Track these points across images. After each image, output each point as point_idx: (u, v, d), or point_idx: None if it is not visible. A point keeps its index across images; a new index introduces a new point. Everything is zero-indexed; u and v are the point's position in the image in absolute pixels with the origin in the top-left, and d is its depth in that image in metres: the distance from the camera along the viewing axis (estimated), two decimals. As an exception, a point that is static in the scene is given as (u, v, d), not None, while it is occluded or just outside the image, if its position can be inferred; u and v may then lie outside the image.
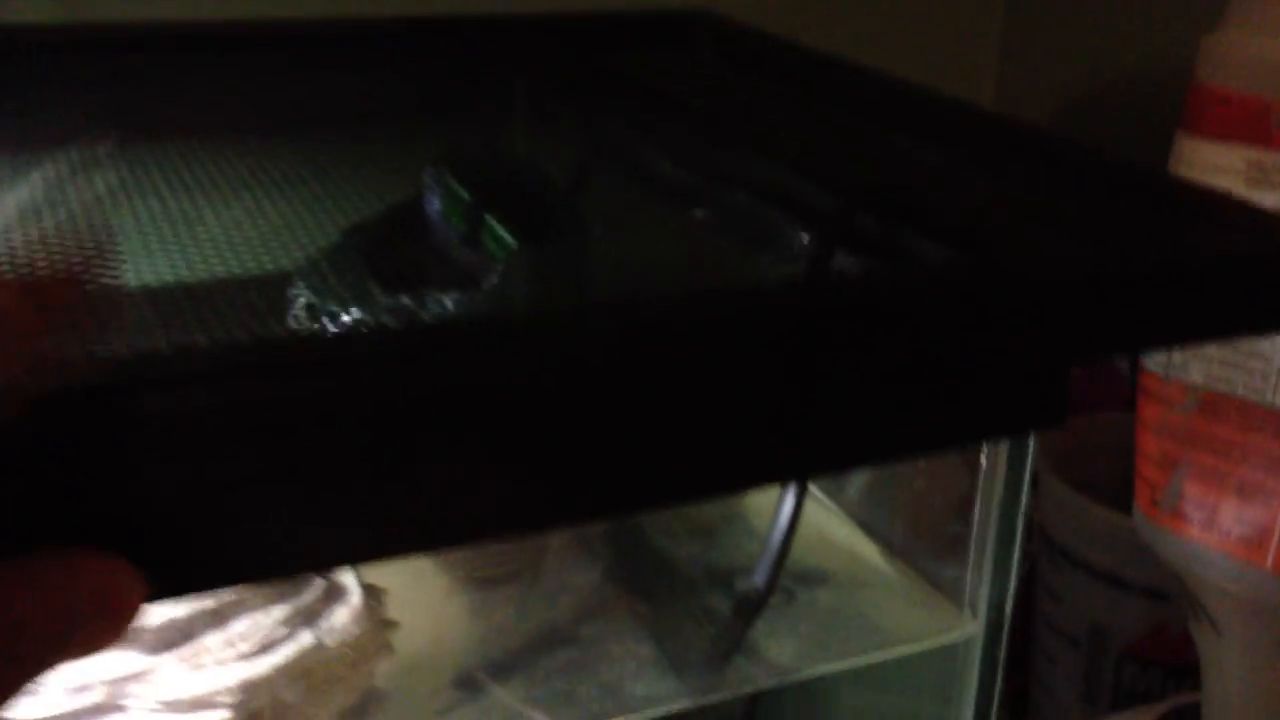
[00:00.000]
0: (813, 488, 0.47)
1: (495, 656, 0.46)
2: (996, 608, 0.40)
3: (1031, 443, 0.38)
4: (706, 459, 0.31)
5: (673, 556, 0.50)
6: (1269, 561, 0.47)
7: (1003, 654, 0.40)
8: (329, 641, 0.40)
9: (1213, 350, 0.48)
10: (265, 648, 0.40)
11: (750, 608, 0.39)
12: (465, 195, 0.50)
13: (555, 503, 0.29)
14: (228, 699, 0.38)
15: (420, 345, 0.27)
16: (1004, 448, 0.38)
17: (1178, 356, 0.49)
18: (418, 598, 0.48)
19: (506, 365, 0.27)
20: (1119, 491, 0.68)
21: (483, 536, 0.29)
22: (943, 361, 0.32)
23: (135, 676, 0.38)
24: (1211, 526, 0.49)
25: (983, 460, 0.39)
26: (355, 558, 0.28)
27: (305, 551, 0.27)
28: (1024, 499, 0.39)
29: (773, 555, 0.39)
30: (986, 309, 0.31)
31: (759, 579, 0.38)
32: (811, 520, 0.47)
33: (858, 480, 0.47)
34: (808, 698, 0.45)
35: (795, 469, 0.32)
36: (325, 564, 0.29)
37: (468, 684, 0.45)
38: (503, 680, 0.44)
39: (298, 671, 0.39)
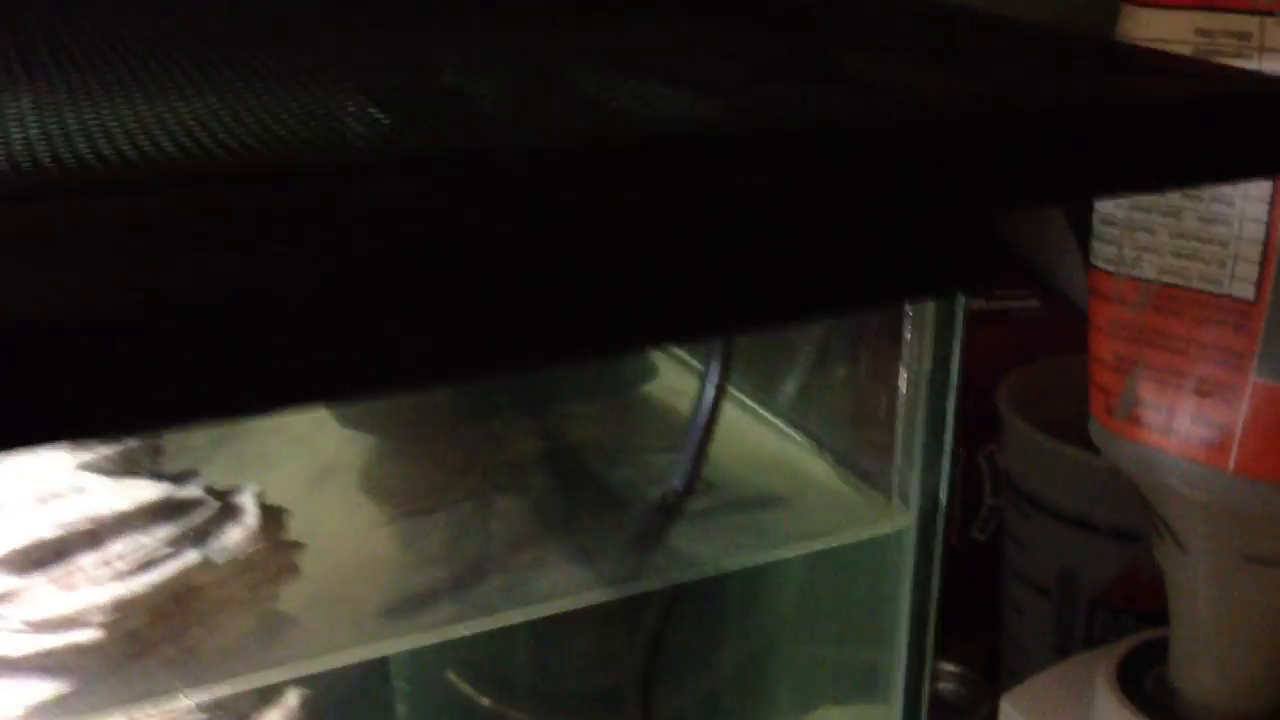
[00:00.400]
0: (742, 387, 0.45)
1: (424, 586, 0.43)
2: (929, 498, 0.37)
3: (959, 316, 0.36)
4: (600, 312, 0.28)
5: (610, 482, 0.47)
6: (1231, 462, 0.45)
7: (939, 549, 0.38)
8: (219, 560, 0.38)
9: (1166, 242, 0.45)
10: (145, 566, 0.37)
11: (670, 504, 0.36)
12: (384, 123, 0.48)
13: (440, 355, 0.27)
14: (100, 618, 0.35)
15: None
16: (929, 323, 0.36)
17: (1129, 251, 0.46)
18: (344, 528, 0.45)
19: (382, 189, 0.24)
20: (1086, 435, 0.65)
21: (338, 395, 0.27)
22: (850, 210, 0.29)
23: (1, 597, 0.35)
24: (1170, 430, 0.46)
25: (907, 335, 0.36)
26: (190, 415, 0.25)
27: (113, 407, 0.24)
28: (953, 378, 0.37)
29: (692, 451, 0.36)
30: (895, 151, 0.29)
31: (678, 477, 0.36)
32: (738, 420, 0.44)
33: (787, 377, 0.44)
34: (736, 596, 0.42)
35: (691, 328, 0.30)
36: (148, 423, 0.26)
37: (392, 613, 0.42)
38: (431, 608, 0.42)
39: (182, 591, 0.36)
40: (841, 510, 0.39)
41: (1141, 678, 0.54)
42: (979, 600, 0.76)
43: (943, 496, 0.37)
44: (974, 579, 0.76)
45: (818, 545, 0.38)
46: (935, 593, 0.37)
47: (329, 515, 0.44)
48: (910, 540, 0.37)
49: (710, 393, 0.37)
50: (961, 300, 0.35)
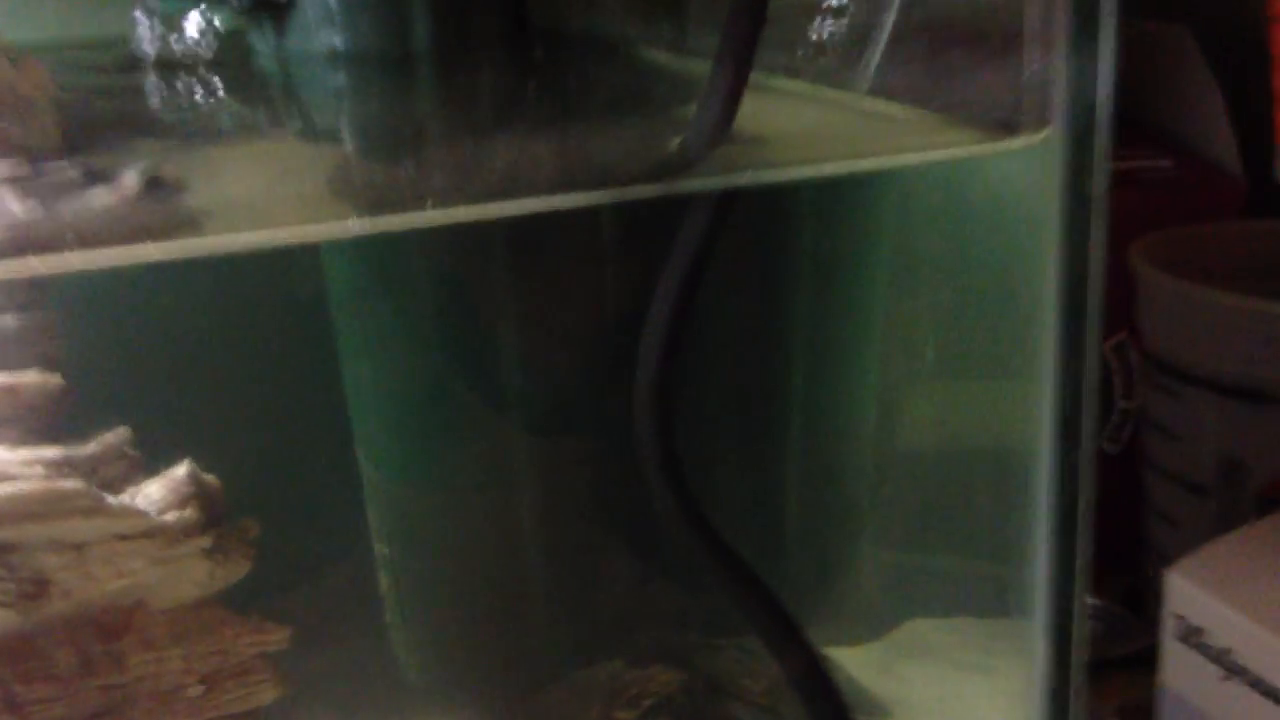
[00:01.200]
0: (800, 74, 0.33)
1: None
2: (1084, 106, 0.25)
3: None
4: None
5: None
6: None
7: (1099, 159, 0.26)
8: (74, 217, 0.27)
9: None
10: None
11: (690, 150, 0.24)
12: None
13: None
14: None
15: None
16: None
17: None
18: (288, 215, 0.34)
19: None
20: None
21: None
22: None
23: None
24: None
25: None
26: None
27: None
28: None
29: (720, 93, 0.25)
30: None
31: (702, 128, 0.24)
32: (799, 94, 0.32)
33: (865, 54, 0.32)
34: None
35: None
36: None
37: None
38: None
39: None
40: (949, 137, 0.27)
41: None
42: (1113, 528, 0.63)
43: (1102, 105, 0.25)
44: (1106, 502, 0.63)
45: (929, 157, 0.26)
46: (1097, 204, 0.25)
47: (274, 206, 0.33)
48: (1057, 154, 0.25)
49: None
50: None
